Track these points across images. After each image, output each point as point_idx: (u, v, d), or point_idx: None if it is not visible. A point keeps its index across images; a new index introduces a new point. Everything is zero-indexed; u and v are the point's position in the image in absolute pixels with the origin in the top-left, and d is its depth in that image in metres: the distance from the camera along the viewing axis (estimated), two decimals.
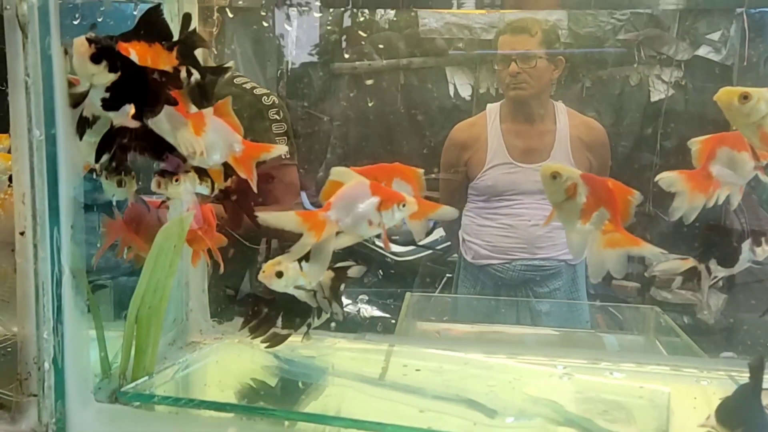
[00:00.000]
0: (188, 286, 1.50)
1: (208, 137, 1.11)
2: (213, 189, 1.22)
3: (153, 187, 1.17)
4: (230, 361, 1.44)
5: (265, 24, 4.32)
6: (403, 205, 1.05)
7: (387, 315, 3.78)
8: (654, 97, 4.39)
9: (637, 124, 4.40)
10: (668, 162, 4.14)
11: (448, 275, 4.03)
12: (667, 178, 1.16)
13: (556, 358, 1.41)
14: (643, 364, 1.41)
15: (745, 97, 1.04)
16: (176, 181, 1.16)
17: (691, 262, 1.27)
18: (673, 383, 1.30)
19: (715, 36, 4.26)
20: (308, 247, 1.06)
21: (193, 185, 1.18)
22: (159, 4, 1.13)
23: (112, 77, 0.99)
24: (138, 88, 1.01)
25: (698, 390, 1.30)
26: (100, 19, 1.39)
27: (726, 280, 1.29)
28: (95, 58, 0.97)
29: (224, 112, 1.15)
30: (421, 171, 1.22)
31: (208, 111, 1.12)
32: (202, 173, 1.19)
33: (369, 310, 3.86)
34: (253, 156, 1.17)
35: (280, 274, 1.16)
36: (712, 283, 1.28)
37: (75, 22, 1.22)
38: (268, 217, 1.08)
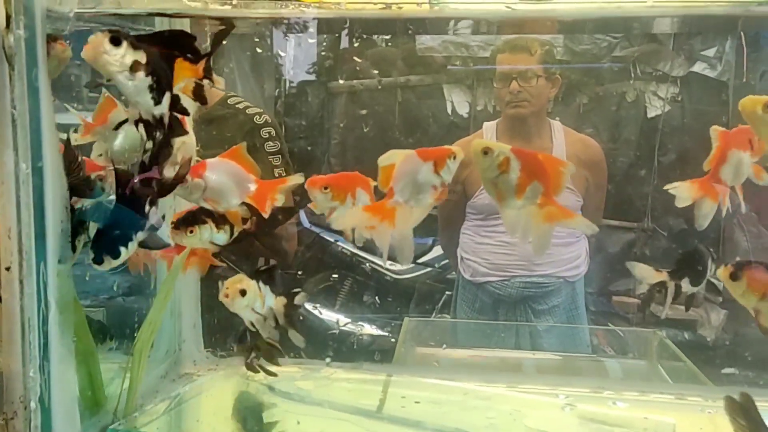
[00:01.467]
0: (181, 316, 1.47)
1: (223, 181, 1.12)
2: (231, 235, 1.21)
3: (169, 237, 1.17)
4: (224, 394, 1.41)
5: (263, 45, 4.33)
6: (454, 157, 1.06)
7: (387, 334, 3.74)
8: (651, 113, 4.39)
9: (634, 140, 4.40)
10: (666, 177, 4.13)
11: (447, 293, 4.01)
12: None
13: (558, 387, 1.38)
14: (647, 393, 1.38)
15: None
16: (191, 232, 1.16)
17: (663, 276, 1.26)
18: (677, 413, 1.27)
19: (710, 52, 4.27)
20: (389, 240, 1.06)
21: (210, 235, 1.18)
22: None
23: (138, 56, 0.96)
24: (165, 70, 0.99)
25: (704, 420, 1.27)
26: None
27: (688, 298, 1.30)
28: (115, 41, 0.95)
29: (238, 155, 1.17)
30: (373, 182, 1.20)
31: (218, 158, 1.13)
32: (219, 221, 1.19)
33: (369, 329, 3.83)
34: (269, 193, 1.18)
35: (243, 292, 1.14)
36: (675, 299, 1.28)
37: None
38: (339, 219, 1.09)
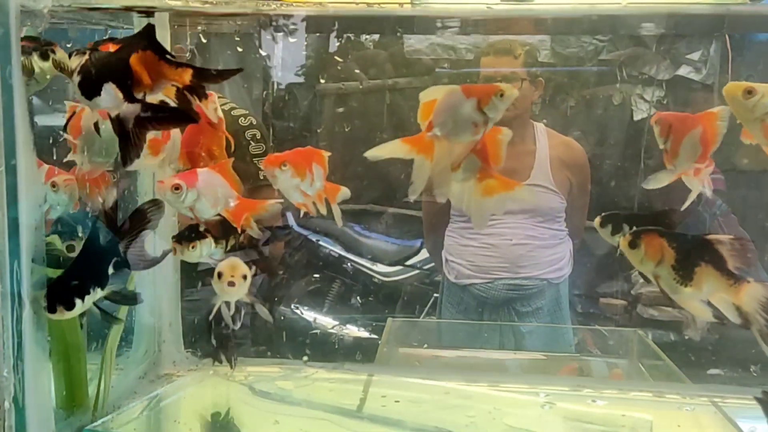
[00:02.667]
0: (161, 316, 1.46)
1: (205, 192, 1.14)
2: (226, 249, 1.23)
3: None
4: (204, 395, 1.40)
5: (250, 45, 4.31)
6: (501, 94, 1.02)
7: (372, 336, 3.74)
8: (637, 116, 4.42)
9: (621, 143, 4.43)
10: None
11: (435, 295, 4.01)
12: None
13: (538, 386, 1.38)
14: (626, 391, 1.38)
15: (749, 92, 1.04)
16: (193, 247, 1.17)
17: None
18: (656, 410, 1.28)
19: (695, 56, 4.31)
20: (426, 174, 1.04)
21: (209, 249, 1.20)
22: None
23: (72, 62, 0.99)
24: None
25: (682, 417, 1.27)
26: (69, 45, 1.37)
27: None
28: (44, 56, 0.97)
29: (225, 170, 1.18)
30: (328, 154, 1.22)
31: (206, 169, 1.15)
32: (216, 237, 1.21)
33: (355, 331, 3.82)
34: (246, 212, 1.18)
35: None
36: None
37: None
38: (377, 150, 1.07)
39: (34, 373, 1.05)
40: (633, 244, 1.01)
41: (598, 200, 2.72)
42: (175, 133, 1.17)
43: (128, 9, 1.21)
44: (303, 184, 1.15)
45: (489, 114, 1.02)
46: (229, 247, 1.24)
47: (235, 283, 1.14)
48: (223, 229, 1.21)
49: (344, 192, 1.24)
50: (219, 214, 1.17)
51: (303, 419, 1.30)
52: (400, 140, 1.04)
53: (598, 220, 1.20)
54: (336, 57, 4.67)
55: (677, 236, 1.01)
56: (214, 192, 1.15)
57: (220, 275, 1.14)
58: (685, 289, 0.99)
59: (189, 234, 1.19)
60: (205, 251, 1.19)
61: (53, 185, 1.16)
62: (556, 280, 2.35)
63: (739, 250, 1.00)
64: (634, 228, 1.08)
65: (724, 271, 0.98)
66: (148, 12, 1.23)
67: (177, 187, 1.11)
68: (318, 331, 3.75)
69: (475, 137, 1.03)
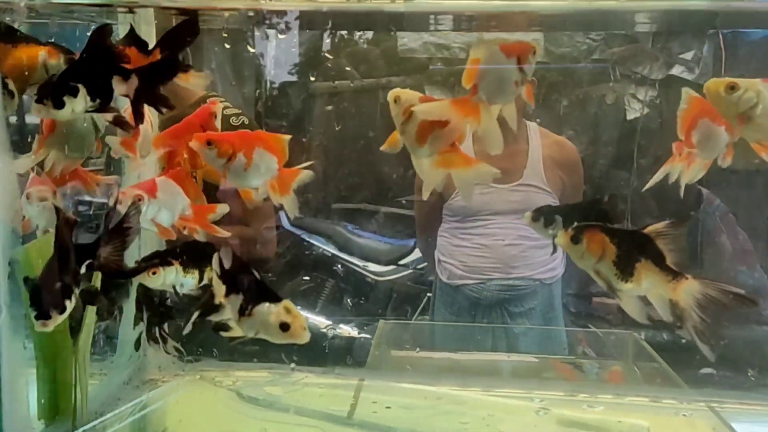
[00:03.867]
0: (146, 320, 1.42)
1: (161, 198, 1.11)
2: (201, 281, 1.15)
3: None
4: (191, 400, 1.36)
5: (242, 43, 4.27)
6: (534, 52, 1.06)
7: (367, 336, 3.71)
8: (630, 116, 4.42)
9: (614, 143, 4.42)
10: (645, 179, 4.15)
11: (428, 295, 3.98)
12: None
13: (533, 391, 1.36)
14: (622, 396, 1.36)
15: (732, 87, 1.03)
16: (153, 273, 1.10)
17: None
18: (652, 416, 1.25)
19: (688, 56, 4.31)
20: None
21: (175, 278, 1.12)
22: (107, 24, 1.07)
23: None
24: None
25: (678, 423, 1.25)
26: (51, 40, 1.33)
27: None
28: None
29: (182, 178, 1.15)
30: (287, 138, 1.16)
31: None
32: (188, 265, 1.13)
33: (348, 332, 3.80)
34: (198, 221, 1.15)
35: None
36: None
37: None
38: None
39: (11, 380, 1.01)
40: (575, 239, 1.00)
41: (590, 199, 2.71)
42: (146, 128, 1.14)
43: (106, 5, 1.18)
44: (235, 166, 1.09)
45: (528, 72, 1.05)
46: (204, 280, 1.14)
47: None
48: (196, 257, 1.13)
49: (305, 175, 1.17)
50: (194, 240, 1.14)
51: (292, 426, 1.26)
52: (450, 101, 1.06)
53: (528, 214, 1.19)
54: (328, 55, 4.64)
55: (618, 231, 1.00)
56: (169, 202, 1.12)
57: None
58: (625, 284, 0.98)
59: (153, 259, 1.12)
60: (169, 279, 1.11)
61: (27, 197, 1.10)
62: (548, 280, 2.34)
63: (678, 244, 0.99)
64: (566, 219, 1.10)
65: (663, 267, 0.98)
66: (130, 7, 1.19)
67: (139, 199, 1.07)
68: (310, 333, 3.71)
69: (514, 95, 1.06)
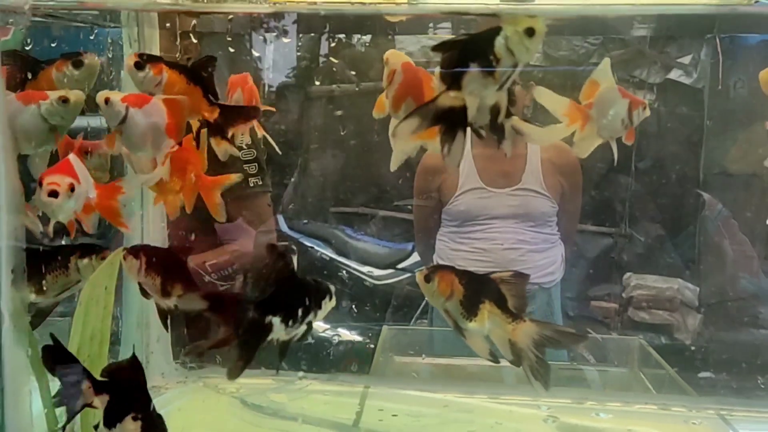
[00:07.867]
0: (149, 327, 1.40)
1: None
2: None
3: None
4: (194, 408, 1.34)
5: (241, 46, 4.25)
6: (644, 108, 1.16)
7: (367, 340, 3.69)
8: None
9: (612, 146, 4.42)
10: (643, 182, 4.16)
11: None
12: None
13: (539, 398, 1.34)
14: (630, 403, 1.35)
15: None
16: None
17: None
18: (662, 424, 1.24)
19: (686, 60, 4.32)
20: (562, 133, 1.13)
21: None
22: None
23: None
24: None
25: (687, 431, 1.24)
26: (54, 44, 1.31)
27: None
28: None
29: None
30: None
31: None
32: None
33: (348, 336, 3.78)
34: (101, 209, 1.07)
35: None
36: None
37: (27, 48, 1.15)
38: (548, 96, 1.14)
39: (13, 389, 0.99)
40: (427, 279, 1.07)
41: (588, 203, 2.70)
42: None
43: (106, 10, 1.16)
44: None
45: (634, 119, 1.16)
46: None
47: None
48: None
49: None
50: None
51: None
52: (568, 100, 1.14)
53: (420, 276, 1.14)
54: (330, 58, 4.63)
55: (466, 274, 1.09)
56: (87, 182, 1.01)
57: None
58: (469, 324, 1.07)
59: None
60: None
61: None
62: (547, 284, 2.33)
63: (518, 291, 1.11)
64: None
65: (504, 309, 1.08)
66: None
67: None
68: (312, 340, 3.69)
69: (617, 134, 1.17)
